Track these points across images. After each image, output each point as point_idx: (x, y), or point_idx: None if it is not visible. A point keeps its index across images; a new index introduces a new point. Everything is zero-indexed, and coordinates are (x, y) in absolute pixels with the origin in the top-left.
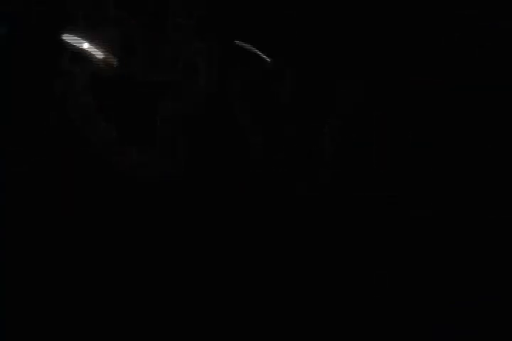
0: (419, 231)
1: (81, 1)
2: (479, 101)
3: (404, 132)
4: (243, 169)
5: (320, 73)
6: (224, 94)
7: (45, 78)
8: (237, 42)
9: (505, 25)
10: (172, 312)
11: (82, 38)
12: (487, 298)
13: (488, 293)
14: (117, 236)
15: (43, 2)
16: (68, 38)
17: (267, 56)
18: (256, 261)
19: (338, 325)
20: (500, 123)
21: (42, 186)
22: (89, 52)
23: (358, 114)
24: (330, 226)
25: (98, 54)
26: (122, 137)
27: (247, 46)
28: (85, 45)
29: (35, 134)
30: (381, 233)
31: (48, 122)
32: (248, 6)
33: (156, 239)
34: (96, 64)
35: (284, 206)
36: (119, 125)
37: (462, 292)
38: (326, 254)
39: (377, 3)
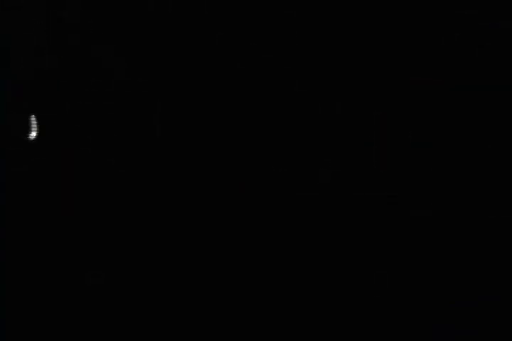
0: (419, 231)
1: None
2: (479, 101)
3: (404, 132)
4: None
5: (319, 71)
6: None
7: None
8: None
9: (505, 25)
10: (167, 309)
11: None
12: (487, 298)
13: (488, 293)
14: (117, 235)
15: None
16: None
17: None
18: (255, 261)
19: (338, 324)
20: (500, 123)
21: (42, 186)
22: None
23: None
24: (330, 226)
25: None
26: None
27: None
28: None
29: (35, 134)
30: (381, 233)
31: (49, 122)
32: None
33: (159, 238)
34: None
35: (284, 206)
36: None
37: (462, 292)
38: (325, 254)
39: (377, 3)
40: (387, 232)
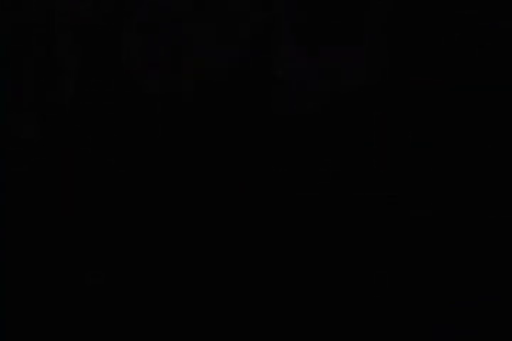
0: (419, 231)
1: None
2: (479, 101)
3: (404, 132)
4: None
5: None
6: None
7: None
8: None
9: (505, 25)
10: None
11: None
12: (487, 298)
13: (488, 293)
14: (116, 235)
15: None
16: None
17: None
18: (255, 261)
19: (338, 325)
20: (500, 123)
21: (42, 186)
22: None
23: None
24: (330, 226)
25: None
26: None
27: None
28: None
29: (36, 134)
30: (381, 233)
31: (49, 121)
32: None
33: (159, 238)
34: None
35: (284, 206)
36: None
37: (462, 292)
38: (326, 254)
39: (377, 2)
40: (387, 232)
